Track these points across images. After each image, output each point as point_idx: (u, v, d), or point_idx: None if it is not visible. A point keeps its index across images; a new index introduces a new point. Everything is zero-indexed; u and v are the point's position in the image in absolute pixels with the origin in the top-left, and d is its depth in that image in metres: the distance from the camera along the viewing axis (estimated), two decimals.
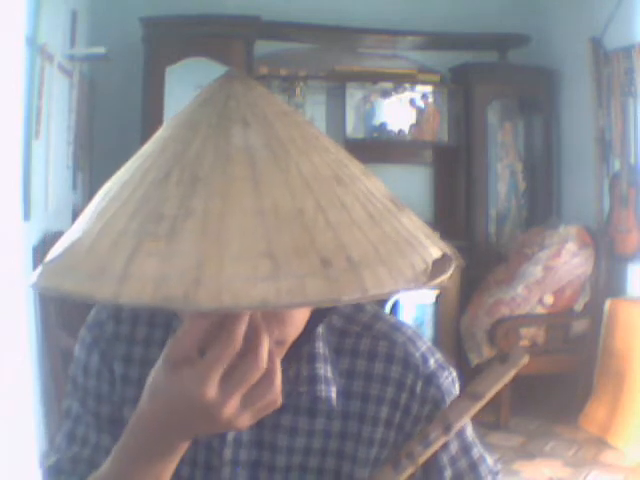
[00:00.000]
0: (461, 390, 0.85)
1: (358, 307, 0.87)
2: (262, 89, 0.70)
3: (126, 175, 0.66)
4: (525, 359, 0.65)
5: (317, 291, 0.57)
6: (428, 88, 4.82)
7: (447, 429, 0.66)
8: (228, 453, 0.82)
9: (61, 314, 3.05)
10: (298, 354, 0.80)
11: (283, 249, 0.58)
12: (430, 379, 0.84)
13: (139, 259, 0.58)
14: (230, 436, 0.81)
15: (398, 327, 0.87)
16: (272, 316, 0.70)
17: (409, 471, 0.69)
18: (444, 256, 0.64)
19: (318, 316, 0.80)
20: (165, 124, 0.70)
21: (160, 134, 0.69)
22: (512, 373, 0.65)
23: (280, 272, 0.57)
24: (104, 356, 0.87)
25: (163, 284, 0.56)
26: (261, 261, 0.57)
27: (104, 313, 0.88)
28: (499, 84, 4.71)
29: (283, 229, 0.59)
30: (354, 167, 0.68)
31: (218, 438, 0.82)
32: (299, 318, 0.74)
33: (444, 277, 0.63)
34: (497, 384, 0.65)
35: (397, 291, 0.60)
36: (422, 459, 0.68)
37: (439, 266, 0.63)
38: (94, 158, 4.27)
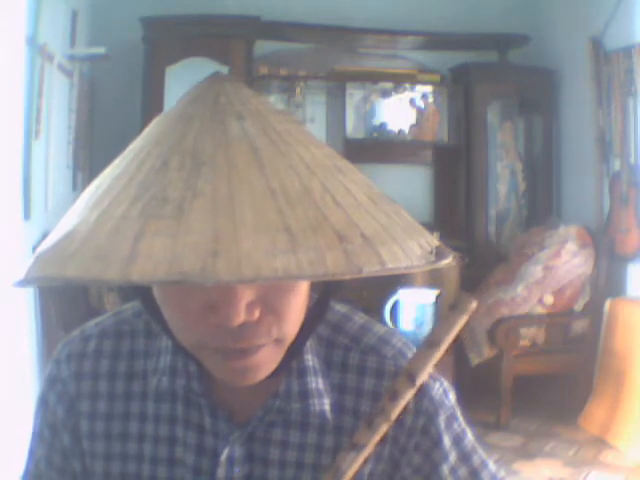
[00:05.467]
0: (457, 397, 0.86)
1: (346, 316, 0.85)
2: (251, 91, 0.70)
3: (118, 169, 0.65)
4: (473, 304, 0.67)
5: (337, 263, 0.57)
6: (428, 88, 4.81)
7: (412, 379, 0.68)
8: (222, 472, 0.80)
9: (61, 314, 3.05)
10: (287, 368, 0.78)
11: (299, 224, 0.58)
12: (422, 391, 0.81)
13: (147, 238, 0.56)
14: (223, 456, 0.80)
15: (387, 340, 0.85)
16: (270, 312, 0.69)
17: (384, 427, 0.70)
18: (441, 245, 0.66)
19: (307, 327, 0.77)
20: (154, 121, 0.69)
21: (151, 129, 0.68)
22: (463, 319, 0.67)
23: (298, 245, 0.57)
24: (69, 413, 0.85)
25: (178, 259, 0.55)
26: (278, 235, 0.57)
27: (65, 371, 0.85)
28: (499, 84, 4.71)
29: (296, 206, 0.59)
30: (347, 162, 0.69)
31: (209, 458, 0.81)
32: (297, 315, 0.72)
33: (448, 260, 0.65)
34: (451, 331, 0.67)
35: (411, 267, 0.61)
36: (394, 413, 0.69)
37: (441, 252, 0.65)
38: (94, 158, 4.27)
